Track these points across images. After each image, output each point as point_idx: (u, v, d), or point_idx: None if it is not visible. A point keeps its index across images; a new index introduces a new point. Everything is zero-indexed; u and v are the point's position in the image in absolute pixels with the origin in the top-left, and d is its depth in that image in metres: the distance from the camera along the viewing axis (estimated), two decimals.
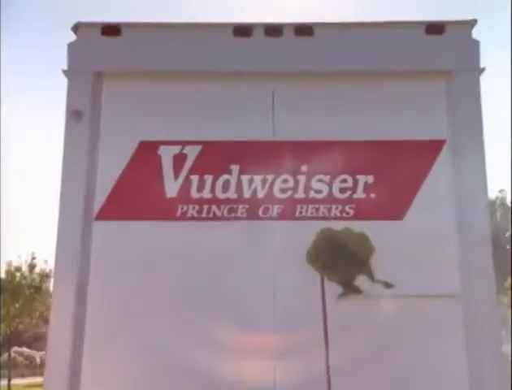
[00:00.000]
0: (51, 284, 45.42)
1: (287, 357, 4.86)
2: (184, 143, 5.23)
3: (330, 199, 5.17)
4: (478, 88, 5.29)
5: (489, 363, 4.81)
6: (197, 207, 5.13)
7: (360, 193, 5.16)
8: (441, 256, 5.07)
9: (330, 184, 5.19)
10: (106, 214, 5.12)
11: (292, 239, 5.07)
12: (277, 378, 4.79)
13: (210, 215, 5.13)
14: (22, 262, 41.40)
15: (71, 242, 5.02)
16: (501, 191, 47.03)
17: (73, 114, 5.20)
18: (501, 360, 4.93)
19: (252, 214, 5.14)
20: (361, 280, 4.95)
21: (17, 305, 40.33)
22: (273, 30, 5.38)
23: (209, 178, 5.19)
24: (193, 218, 5.12)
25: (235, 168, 5.20)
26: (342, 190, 5.17)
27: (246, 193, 5.18)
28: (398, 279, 4.94)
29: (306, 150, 5.27)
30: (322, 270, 4.94)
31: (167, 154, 5.23)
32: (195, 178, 5.18)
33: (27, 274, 41.33)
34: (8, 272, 40.63)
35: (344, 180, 5.19)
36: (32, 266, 41.50)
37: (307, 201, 5.16)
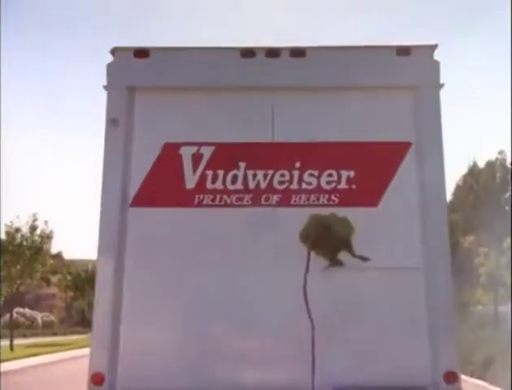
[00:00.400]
0: (52, 245, 44.82)
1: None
2: (200, 144, 6.31)
3: (318, 190, 6.25)
4: (438, 100, 6.33)
5: (443, 320, 5.98)
6: (211, 196, 6.24)
7: (343, 185, 6.24)
8: (408, 236, 6.18)
9: (318, 178, 6.27)
10: (138, 202, 6.24)
11: (288, 222, 6.15)
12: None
13: (222, 203, 6.23)
14: (22, 223, 40.72)
15: (112, 224, 6.16)
16: (500, 152, 46.15)
17: (111, 121, 6.28)
18: (452, 318, 6.06)
19: (255, 202, 6.24)
20: (343, 255, 6.07)
21: (18, 267, 39.82)
22: (272, 52, 6.42)
23: (221, 173, 6.27)
24: (207, 206, 6.24)
25: (242, 165, 6.27)
26: (328, 182, 6.25)
27: (251, 185, 6.26)
28: (373, 254, 6.07)
29: (300, 150, 6.33)
30: (312, 247, 6.06)
31: (186, 153, 6.30)
32: (209, 173, 6.27)
33: (27, 235, 40.62)
34: (8, 233, 40.19)
35: (330, 174, 6.27)
36: (33, 228, 40.86)
37: (300, 191, 6.25)
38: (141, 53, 6.43)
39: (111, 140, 6.32)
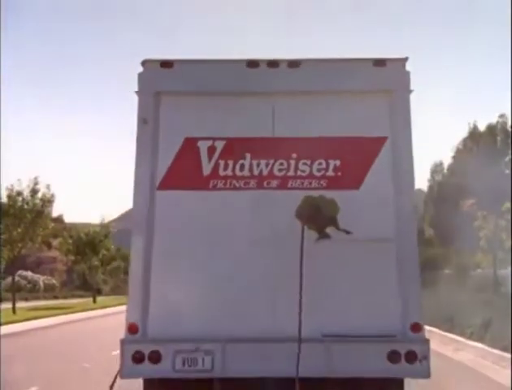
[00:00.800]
0: (53, 209, 44.91)
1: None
2: (214, 139, 7.59)
3: (310, 176, 7.50)
4: (408, 103, 7.63)
5: (411, 281, 7.26)
6: (223, 181, 7.53)
7: (331, 172, 7.51)
8: (383, 213, 7.43)
9: (311, 166, 7.52)
10: (164, 185, 7.55)
11: (286, 202, 7.34)
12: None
13: (232, 187, 7.52)
14: (23, 186, 41.85)
15: (143, 204, 7.48)
16: (501, 116, 46.21)
17: (142, 121, 7.59)
18: (418, 280, 7.28)
19: (259, 186, 7.52)
20: (330, 229, 7.10)
21: (19, 230, 40.72)
22: (273, 63, 7.69)
23: (231, 162, 7.55)
24: (220, 189, 7.54)
25: (248, 156, 7.54)
26: (319, 170, 7.51)
27: (255, 172, 7.53)
28: (355, 229, 7.08)
29: (295, 144, 7.59)
30: (305, 222, 7.16)
31: (203, 146, 7.58)
32: (222, 162, 7.56)
33: (29, 198, 41.63)
34: (10, 197, 41.08)
35: (320, 163, 7.53)
36: (34, 191, 41.86)
37: (296, 177, 7.52)
38: (167, 64, 7.71)
39: (142, 136, 7.61)
